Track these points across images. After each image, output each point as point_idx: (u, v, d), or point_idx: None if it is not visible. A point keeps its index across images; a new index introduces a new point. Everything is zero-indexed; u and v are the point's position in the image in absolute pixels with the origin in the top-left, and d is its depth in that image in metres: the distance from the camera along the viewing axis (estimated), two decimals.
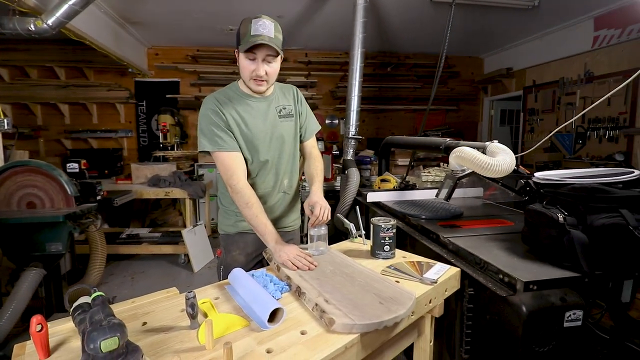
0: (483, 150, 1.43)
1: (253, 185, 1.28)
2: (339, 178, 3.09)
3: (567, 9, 3.61)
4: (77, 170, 2.21)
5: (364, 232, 1.41)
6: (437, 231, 1.46)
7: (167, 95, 4.67)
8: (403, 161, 3.16)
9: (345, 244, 1.41)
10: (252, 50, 1.14)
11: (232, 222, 1.37)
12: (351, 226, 1.45)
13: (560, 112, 4.25)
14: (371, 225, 1.24)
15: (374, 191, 2.18)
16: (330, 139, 5.23)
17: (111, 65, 4.22)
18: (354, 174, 2.57)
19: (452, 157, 1.43)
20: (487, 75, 5.36)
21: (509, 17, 3.76)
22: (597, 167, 3.50)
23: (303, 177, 1.80)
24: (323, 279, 1.00)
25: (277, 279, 1.03)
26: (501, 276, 1.06)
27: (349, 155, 2.72)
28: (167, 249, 3.24)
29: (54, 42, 4.12)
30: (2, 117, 2.05)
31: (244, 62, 1.18)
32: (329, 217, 1.26)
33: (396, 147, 2.55)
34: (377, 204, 2.14)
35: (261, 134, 1.29)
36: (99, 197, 2.25)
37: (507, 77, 4.96)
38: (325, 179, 3.11)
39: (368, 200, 2.14)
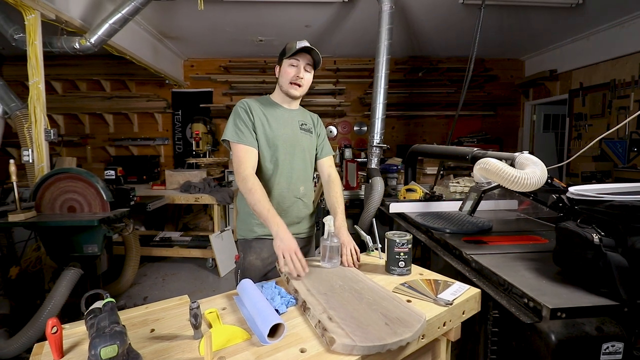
0: (511, 162, 1.34)
1: (268, 183, 1.38)
2: (363, 187, 3.04)
3: (616, 6, 3.32)
4: (114, 176, 2.36)
5: (380, 245, 1.36)
6: (460, 247, 1.37)
7: (201, 105, 4.88)
8: (432, 170, 3.05)
9: (361, 258, 1.37)
10: (296, 56, 1.34)
11: (249, 228, 1.43)
12: (367, 239, 1.41)
13: (611, 117, 3.89)
14: (385, 240, 1.19)
15: (397, 201, 2.11)
16: (359, 146, 5.18)
17: (150, 77, 4.48)
18: (378, 184, 2.51)
19: (477, 169, 1.35)
20: (528, 77, 5.05)
21: (550, 16, 3.52)
22: None
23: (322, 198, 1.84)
24: (330, 294, 0.97)
25: (285, 292, 1.02)
26: (526, 300, 0.97)
27: (373, 164, 2.67)
28: (196, 253, 3.36)
29: (100, 57, 4.45)
30: (49, 127, 2.22)
31: (286, 68, 1.37)
32: (357, 251, 1.27)
33: (422, 155, 2.46)
34: (400, 215, 2.06)
35: (282, 137, 1.40)
36: (132, 203, 2.38)
37: (551, 79, 4.64)
38: (350, 188, 3.08)
39: (391, 211, 2.08)
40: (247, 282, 1.02)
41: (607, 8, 3.34)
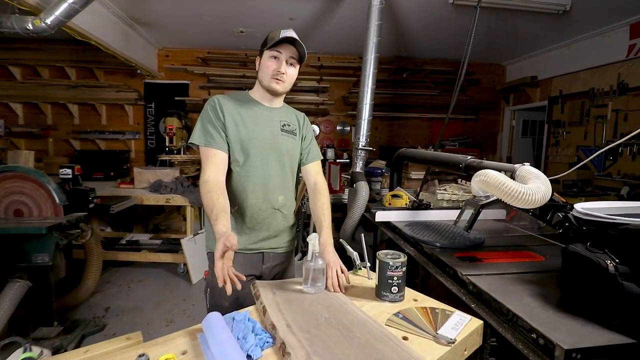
0: (512, 175, 1.23)
1: (242, 192, 1.23)
2: (347, 190, 2.91)
3: (600, 15, 3.35)
4: (70, 175, 2.11)
5: (369, 264, 1.23)
6: (454, 265, 1.26)
7: (176, 98, 4.60)
8: (417, 174, 2.96)
9: (349, 279, 1.23)
10: (278, 48, 1.18)
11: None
12: (355, 255, 1.27)
13: (589, 125, 3.96)
14: (377, 261, 1.05)
15: (383, 209, 1.99)
16: (341, 147, 5.06)
17: (121, 66, 4.16)
18: (363, 188, 2.39)
19: (475, 181, 1.23)
20: (509, 83, 5.09)
21: (536, 22, 3.51)
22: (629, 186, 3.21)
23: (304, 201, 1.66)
24: (315, 331, 0.82)
25: (261, 328, 0.86)
26: (534, 336, 0.86)
27: (358, 167, 2.54)
28: (166, 258, 3.13)
29: (65, 42, 4.09)
30: None
31: (267, 61, 1.21)
32: (344, 272, 1.14)
33: (410, 161, 2.36)
34: (387, 224, 1.95)
35: (257, 139, 1.23)
36: (92, 205, 2.13)
37: (532, 86, 4.68)
38: (333, 191, 2.94)
39: (377, 220, 1.96)
40: (214, 318, 0.85)
41: (592, 16, 3.36)
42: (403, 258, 1.03)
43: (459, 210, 1.99)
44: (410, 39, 4.18)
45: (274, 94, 1.26)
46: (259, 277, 1.29)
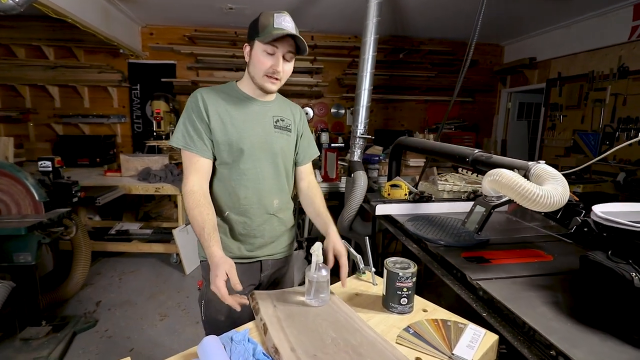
0: (525, 173, 1.16)
1: (232, 197, 1.12)
2: (344, 179, 2.83)
3: None
4: (50, 168, 1.97)
5: (373, 269, 1.17)
6: (462, 268, 1.21)
7: (163, 79, 4.37)
8: (415, 162, 2.89)
9: (351, 282, 1.16)
10: (275, 43, 1.02)
11: None
12: (358, 258, 1.20)
13: (586, 109, 3.90)
14: (384, 270, 0.99)
15: (383, 202, 1.92)
16: (336, 130, 4.93)
17: (102, 45, 3.90)
18: (361, 178, 2.31)
19: (487, 181, 1.16)
20: (507, 64, 4.97)
21: (537, 1, 3.37)
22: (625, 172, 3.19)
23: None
24: (322, 356, 0.76)
25: (262, 351, 0.79)
26: (554, 353, 0.82)
27: (356, 156, 2.45)
28: (158, 248, 3.04)
29: (41, 19, 3.80)
30: None
31: (260, 56, 1.05)
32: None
33: (410, 150, 2.27)
34: (387, 218, 1.89)
35: (249, 139, 1.11)
36: (75, 199, 2.01)
37: (530, 67, 4.57)
38: (329, 179, 2.86)
39: (377, 213, 1.89)
40: (209, 343, 0.78)
41: None
42: (413, 268, 0.97)
43: (461, 202, 1.96)
44: (407, 17, 4.00)
45: (268, 92, 1.13)
46: (258, 286, 1.22)
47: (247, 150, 1.10)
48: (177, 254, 3.04)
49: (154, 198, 4.20)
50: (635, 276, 0.82)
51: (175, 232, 2.89)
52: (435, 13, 3.82)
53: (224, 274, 0.89)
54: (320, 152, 3.64)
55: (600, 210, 1.00)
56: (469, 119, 5.12)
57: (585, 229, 0.99)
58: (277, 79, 1.07)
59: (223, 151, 1.09)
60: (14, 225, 1.55)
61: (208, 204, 1.03)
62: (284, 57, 1.05)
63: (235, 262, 1.13)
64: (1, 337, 1.89)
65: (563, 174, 1.07)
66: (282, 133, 1.18)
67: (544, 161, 1.16)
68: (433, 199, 1.94)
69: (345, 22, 4.15)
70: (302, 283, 2.66)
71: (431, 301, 1.11)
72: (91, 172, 3.59)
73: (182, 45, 4.34)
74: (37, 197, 1.70)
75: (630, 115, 3.44)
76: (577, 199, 1.24)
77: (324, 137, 4.43)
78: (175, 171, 3.08)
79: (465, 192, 2.03)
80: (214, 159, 1.11)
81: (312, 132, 4.38)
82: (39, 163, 1.99)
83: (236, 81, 1.18)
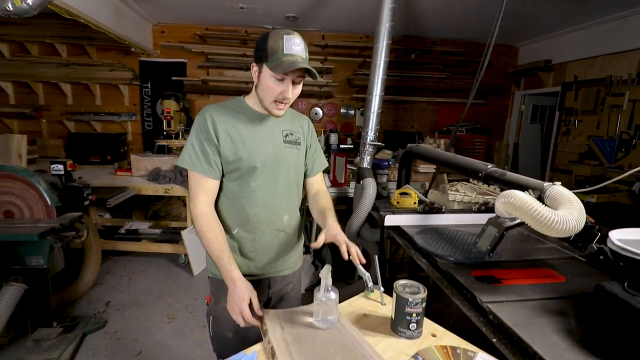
0: (540, 195, 1.14)
1: (241, 214, 1.12)
2: (352, 184, 2.81)
3: None
4: (62, 172, 1.99)
5: (382, 288, 1.16)
6: (472, 288, 1.19)
7: (173, 78, 4.39)
8: (425, 168, 2.85)
9: (359, 301, 1.15)
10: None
11: None
12: (367, 276, 1.19)
13: (602, 115, 3.80)
14: (394, 294, 0.98)
15: (392, 212, 1.90)
16: (345, 131, 4.90)
17: (114, 43, 3.93)
18: (370, 185, 2.29)
19: (500, 202, 1.14)
20: (521, 66, 4.87)
21: (555, 3, 3.28)
22: None
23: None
24: None
25: None
26: None
27: (366, 162, 2.43)
28: (166, 248, 3.08)
29: (53, 16, 3.82)
30: None
31: (269, 82, 1.02)
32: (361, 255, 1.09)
33: (421, 159, 2.24)
34: (396, 229, 1.87)
35: (260, 156, 1.10)
36: (87, 203, 2.04)
37: (545, 70, 4.47)
38: (338, 184, 2.84)
39: (386, 224, 1.87)
40: None
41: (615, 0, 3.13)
42: (423, 293, 0.95)
43: (472, 214, 1.93)
44: (421, 17, 3.93)
45: (276, 116, 1.10)
46: (266, 302, 1.21)
47: (259, 167, 1.09)
48: (185, 255, 3.06)
49: (163, 197, 4.24)
50: None
51: (183, 233, 2.92)
52: (449, 13, 3.75)
53: (249, 298, 0.94)
54: (329, 153, 3.63)
55: (618, 237, 0.97)
56: (480, 121, 5.05)
57: (601, 257, 0.96)
58: (286, 103, 1.07)
59: (234, 169, 1.09)
60: (27, 231, 1.57)
61: (220, 226, 1.05)
62: (293, 82, 1.03)
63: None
64: (14, 338, 1.94)
65: (577, 193, 1.05)
66: (292, 147, 1.17)
67: (560, 183, 1.14)
68: (443, 210, 1.91)
69: (356, 23, 4.11)
70: (308, 288, 2.66)
71: (440, 317, 1.09)
72: (102, 170, 3.64)
73: (193, 44, 4.34)
74: (49, 202, 1.72)
75: None
76: (593, 221, 1.21)
77: (333, 138, 4.40)
78: (184, 172, 3.10)
79: (477, 203, 2.00)
80: (222, 176, 1.11)
81: (321, 133, 4.31)
82: (52, 166, 2.02)
83: (244, 96, 1.17)
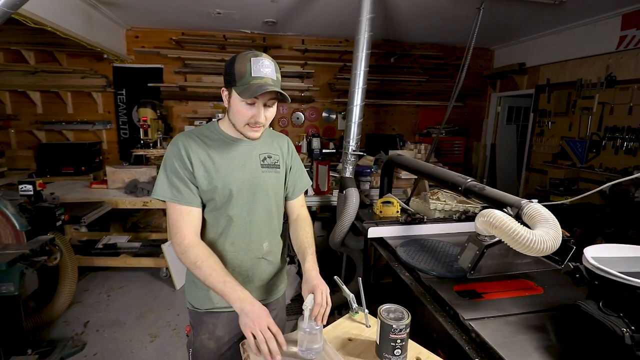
0: (518, 212, 1.16)
1: (217, 244, 1.08)
2: (335, 192, 2.81)
3: (593, 3, 3.24)
4: (32, 192, 1.90)
5: (366, 310, 1.16)
6: (454, 305, 1.21)
7: (149, 84, 4.26)
8: (407, 175, 2.88)
9: (343, 324, 1.15)
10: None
11: (199, 296, 1.13)
12: (351, 297, 1.19)
13: (574, 117, 3.95)
14: (378, 320, 0.98)
15: (375, 224, 1.91)
16: (327, 135, 4.91)
17: (85, 49, 3.76)
18: (353, 195, 2.30)
19: (480, 221, 1.16)
20: (497, 69, 5.00)
21: (529, 9, 3.38)
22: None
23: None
24: None
25: None
26: None
27: (348, 172, 2.43)
28: (147, 262, 2.99)
29: (20, 23, 3.65)
30: None
31: (239, 105, 0.99)
32: (330, 303, 1.02)
33: (402, 169, 2.27)
34: (379, 241, 1.88)
35: (236, 184, 1.06)
36: (59, 223, 1.95)
37: (519, 73, 4.60)
38: (321, 192, 2.84)
39: (369, 236, 1.88)
40: None
41: (585, 4, 3.25)
42: (407, 319, 0.96)
43: (453, 223, 1.97)
44: (399, 22, 3.96)
45: (251, 139, 1.07)
46: None
47: (235, 195, 1.06)
48: (167, 268, 2.99)
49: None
50: (626, 332, 0.83)
51: (164, 247, 2.84)
52: (427, 18, 3.81)
53: (267, 323, 0.90)
54: (312, 159, 3.62)
55: (592, 255, 1.00)
56: (459, 123, 5.15)
57: (577, 275, 0.99)
58: (260, 126, 1.03)
59: (209, 199, 1.05)
60: None
61: (213, 253, 1.00)
62: (265, 105, 1.00)
63: (223, 312, 1.11)
64: None
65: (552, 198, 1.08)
66: (271, 171, 1.14)
67: (537, 200, 1.17)
68: (425, 220, 1.94)
69: (336, 27, 4.11)
70: (294, 299, 2.64)
71: (424, 331, 1.09)
72: (76, 182, 3.50)
73: (169, 49, 4.23)
74: (17, 227, 1.63)
75: (616, 124, 3.50)
76: (568, 234, 1.25)
77: (315, 142, 4.41)
78: None
79: (457, 211, 2.03)
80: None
81: (303, 137, 4.27)
82: (20, 187, 1.91)
83: (218, 120, 1.13)
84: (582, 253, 1.05)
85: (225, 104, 1.05)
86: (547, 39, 4.24)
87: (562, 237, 1.21)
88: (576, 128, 3.95)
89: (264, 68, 0.95)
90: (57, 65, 4.09)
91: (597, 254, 1.02)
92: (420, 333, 1.18)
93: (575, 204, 2.97)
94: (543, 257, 1.51)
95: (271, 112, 1.04)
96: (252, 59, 0.96)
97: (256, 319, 0.90)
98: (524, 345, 1.01)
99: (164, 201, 1.04)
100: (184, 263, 0.99)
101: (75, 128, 4.25)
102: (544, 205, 1.14)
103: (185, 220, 1.01)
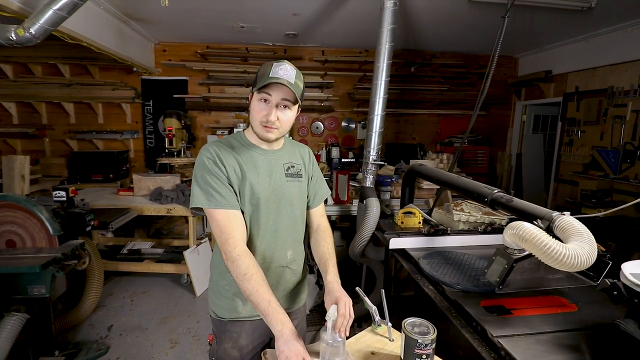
0: (549, 225, 1.11)
1: None
2: (355, 202, 2.79)
3: (624, 9, 3.12)
4: (65, 198, 1.99)
5: (390, 323, 1.13)
6: (481, 320, 1.16)
7: (175, 95, 4.42)
8: (429, 184, 2.83)
9: (366, 337, 1.13)
10: (266, 90, 1.00)
11: (224, 305, 1.12)
12: (374, 310, 1.16)
13: (606, 125, 3.79)
14: (402, 334, 0.95)
15: (397, 235, 1.88)
16: (346, 145, 4.91)
17: (116, 62, 3.96)
18: (374, 205, 2.27)
19: (508, 234, 1.11)
20: (521, 77, 4.88)
21: (555, 17, 3.30)
22: None
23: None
24: None
25: None
26: None
27: (368, 182, 2.41)
28: (169, 268, 3.05)
29: (56, 38, 3.89)
30: None
31: (255, 104, 1.04)
32: (352, 315, 1.01)
33: (424, 178, 2.23)
34: (401, 252, 1.84)
35: (264, 192, 1.07)
36: (89, 229, 2.03)
37: (545, 81, 4.47)
38: (341, 202, 2.82)
39: (391, 247, 1.85)
40: None
41: (615, 11, 3.14)
42: (433, 334, 0.93)
43: (478, 235, 1.90)
44: (420, 31, 3.95)
45: (266, 141, 1.08)
46: (269, 342, 1.18)
47: (262, 204, 1.06)
48: (188, 275, 3.04)
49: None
50: None
51: (186, 253, 2.90)
52: (448, 28, 3.78)
53: (306, 354, 0.90)
54: (331, 169, 3.62)
55: (631, 272, 0.94)
56: (482, 132, 5.04)
57: (615, 292, 0.94)
58: (272, 127, 1.04)
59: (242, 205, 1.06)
60: (29, 263, 1.56)
61: (257, 271, 0.98)
62: (278, 106, 1.02)
63: (247, 320, 1.11)
64: None
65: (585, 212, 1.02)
66: (294, 180, 1.15)
67: (569, 212, 1.11)
68: (449, 231, 1.89)
69: (356, 38, 4.14)
70: (313, 309, 2.61)
71: (449, 347, 1.05)
72: (104, 189, 3.63)
73: (194, 62, 4.38)
74: (51, 231, 1.71)
75: None
76: (604, 249, 1.18)
77: (335, 152, 4.42)
78: (186, 191, 3.09)
79: (482, 223, 1.97)
80: None
81: (322, 147, 4.30)
82: (54, 193, 2.01)
83: (244, 129, 1.16)
84: (620, 269, 0.99)
85: (249, 108, 1.09)
86: (574, 45, 4.11)
87: (598, 251, 1.15)
88: (608, 137, 3.77)
89: (283, 71, 1.00)
90: (90, 78, 4.32)
91: (635, 270, 0.96)
92: (445, 349, 1.14)
93: (609, 217, 2.82)
94: (577, 272, 1.44)
95: (286, 114, 1.05)
96: (274, 63, 1.01)
97: (294, 348, 0.89)
98: None
99: (200, 208, 1.02)
100: (232, 272, 0.98)
101: (104, 137, 4.44)
102: (576, 218, 1.09)
103: (233, 225, 1.00)
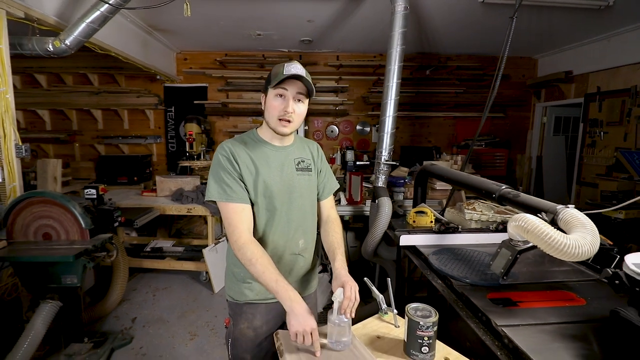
0: (553, 218, 1.13)
1: (261, 243, 1.14)
2: (368, 202, 2.84)
3: None
4: (95, 196, 2.15)
5: (395, 310, 1.17)
6: (487, 311, 1.18)
7: (195, 102, 4.61)
8: (442, 185, 2.84)
9: (372, 323, 1.18)
10: (282, 85, 1.10)
11: (238, 289, 1.21)
12: (380, 298, 1.21)
13: (630, 126, 3.68)
14: (406, 318, 1.00)
15: (408, 232, 1.91)
16: (361, 148, 4.95)
17: (141, 71, 4.19)
18: (386, 205, 2.31)
19: (512, 226, 1.14)
20: (541, 78, 4.79)
21: (573, 16, 3.26)
22: None
23: None
24: None
25: None
26: None
27: (380, 182, 2.46)
28: (189, 266, 3.18)
29: (86, 49, 4.15)
30: (21, 143, 1.99)
31: (272, 101, 1.13)
32: (358, 298, 1.06)
33: (436, 178, 2.25)
34: (412, 249, 1.87)
35: (276, 185, 1.15)
36: (116, 224, 2.17)
37: (566, 81, 4.39)
38: (354, 202, 2.87)
39: (401, 244, 1.88)
40: None
41: (636, 9, 3.08)
42: (434, 317, 0.97)
43: (489, 233, 1.91)
44: (434, 35, 3.98)
45: (282, 135, 1.17)
46: (284, 324, 1.25)
47: (276, 197, 1.14)
48: (207, 272, 3.15)
49: (186, 215, 4.40)
50: None
51: (205, 251, 3.01)
52: (462, 31, 3.79)
53: (315, 326, 0.97)
54: (345, 171, 3.67)
55: (633, 262, 0.95)
56: (500, 134, 4.97)
57: (617, 282, 0.95)
58: (288, 120, 1.12)
59: (253, 200, 1.14)
60: (63, 253, 1.70)
61: (265, 252, 1.06)
62: (294, 99, 1.11)
63: (263, 302, 1.19)
64: (48, 352, 2.06)
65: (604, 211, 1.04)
66: (304, 174, 1.23)
67: (573, 205, 1.13)
68: (460, 229, 1.91)
69: (369, 43, 4.21)
70: (326, 307, 2.68)
71: (457, 340, 1.08)
72: (129, 190, 3.83)
73: (214, 69, 4.57)
74: (83, 225, 1.85)
75: None
76: (611, 243, 1.19)
77: (349, 155, 4.48)
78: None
79: (494, 222, 1.98)
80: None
81: (337, 150, 4.38)
82: (85, 191, 2.17)
83: (257, 128, 1.24)
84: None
85: (263, 108, 1.18)
86: (595, 45, 4.02)
87: (604, 245, 1.16)
88: (632, 138, 3.66)
89: (295, 69, 1.09)
90: (116, 86, 4.57)
91: (638, 260, 0.97)
92: (453, 343, 1.17)
93: (630, 218, 2.75)
94: (586, 267, 1.44)
95: (301, 107, 1.14)
96: (285, 63, 1.10)
97: (304, 322, 0.96)
98: (560, 353, 0.97)
99: (214, 202, 1.11)
100: (240, 259, 1.06)
101: (129, 142, 4.68)
102: (592, 216, 1.10)
103: (239, 218, 1.08)
